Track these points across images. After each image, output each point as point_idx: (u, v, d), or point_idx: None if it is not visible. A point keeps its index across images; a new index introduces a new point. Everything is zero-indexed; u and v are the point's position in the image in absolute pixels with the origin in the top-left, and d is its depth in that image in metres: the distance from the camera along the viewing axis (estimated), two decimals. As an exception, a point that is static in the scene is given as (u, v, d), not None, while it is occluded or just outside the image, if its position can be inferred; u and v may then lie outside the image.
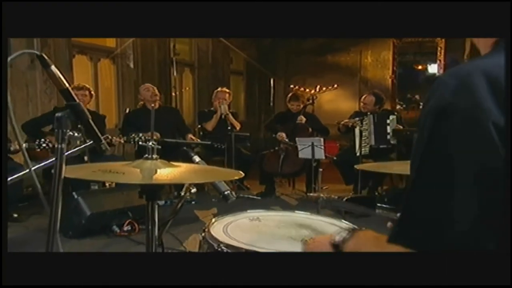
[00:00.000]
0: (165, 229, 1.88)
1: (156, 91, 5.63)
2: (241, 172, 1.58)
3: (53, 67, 1.21)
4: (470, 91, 0.74)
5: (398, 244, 0.85)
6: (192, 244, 3.51)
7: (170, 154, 4.99)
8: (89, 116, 1.27)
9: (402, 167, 2.05)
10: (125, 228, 3.89)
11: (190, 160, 1.88)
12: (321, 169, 5.09)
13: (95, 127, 1.29)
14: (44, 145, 4.38)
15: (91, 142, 1.37)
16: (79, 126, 1.37)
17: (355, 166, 2.20)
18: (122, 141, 5.01)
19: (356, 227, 1.68)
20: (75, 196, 3.86)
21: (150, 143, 1.51)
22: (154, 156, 1.52)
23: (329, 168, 5.69)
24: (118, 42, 7.09)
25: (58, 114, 1.22)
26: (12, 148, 4.33)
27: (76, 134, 1.24)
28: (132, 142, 4.93)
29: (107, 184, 5.51)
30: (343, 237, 1.09)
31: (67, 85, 1.24)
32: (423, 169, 0.81)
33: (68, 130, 1.23)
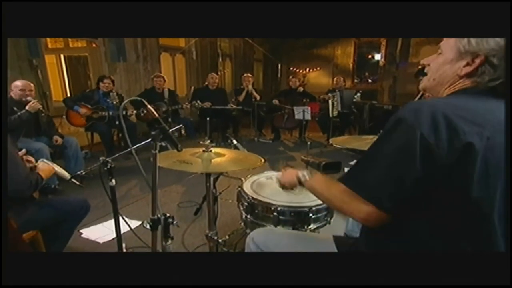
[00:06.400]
0: (217, 181, 1.82)
1: (216, 79, 5.33)
2: (262, 158, 1.44)
3: (148, 106, 1.14)
4: (416, 113, 0.67)
5: (341, 182, 0.80)
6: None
7: (217, 113, 4.99)
8: (171, 134, 1.20)
9: (359, 143, 1.96)
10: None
11: (231, 142, 1.82)
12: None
13: (175, 139, 1.21)
14: (145, 111, 4.33)
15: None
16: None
17: (330, 140, 2.11)
18: (189, 107, 4.90)
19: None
20: (163, 144, 3.78)
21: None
22: (210, 149, 1.46)
23: (313, 123, 5.53)
24: (186, 43, 6.80)
25: (152, 132, 1.16)
26: (128, 113, 4.31)
27: (163, 144, 1.18)
28: (195, 108, 4.91)
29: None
30: (305, 176, 1.02)
31: (157, 115, 1.17)
32: (371, 148, 0.76)
33: (158, 142, 1.18)
